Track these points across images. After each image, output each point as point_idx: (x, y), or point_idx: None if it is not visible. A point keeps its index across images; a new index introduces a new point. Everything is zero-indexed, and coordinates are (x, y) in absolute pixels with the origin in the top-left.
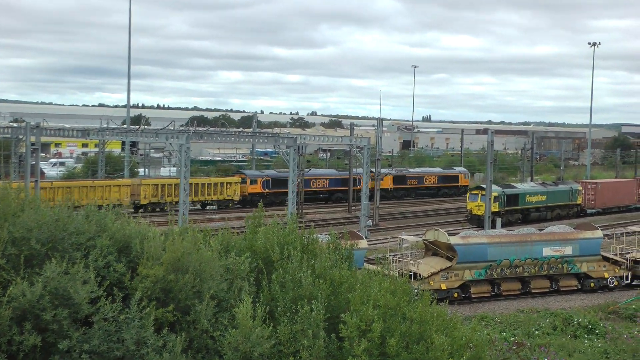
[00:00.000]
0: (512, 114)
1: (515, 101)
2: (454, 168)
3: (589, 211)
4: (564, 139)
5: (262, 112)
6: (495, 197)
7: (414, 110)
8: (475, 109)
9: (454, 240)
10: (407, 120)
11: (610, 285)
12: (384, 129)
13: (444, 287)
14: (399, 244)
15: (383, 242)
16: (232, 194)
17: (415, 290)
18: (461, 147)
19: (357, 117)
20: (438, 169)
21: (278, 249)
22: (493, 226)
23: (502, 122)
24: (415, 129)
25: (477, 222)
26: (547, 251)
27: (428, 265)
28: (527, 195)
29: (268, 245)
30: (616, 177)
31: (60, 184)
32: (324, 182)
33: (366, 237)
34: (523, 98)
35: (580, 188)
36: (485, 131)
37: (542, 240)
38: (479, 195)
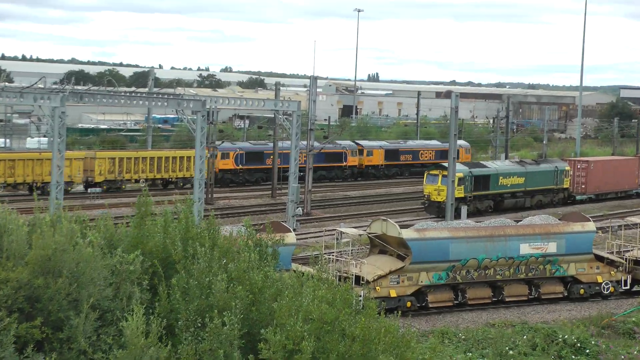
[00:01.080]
0: (483, 73)
1: (487, 57)
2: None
3: (578, 197)
4: (548, 106)
5: (160, 67)
6: (460, 179)
7: (358, 67)
8: (436, 67)
9: (407, 233)
10: (349, 80)
11: (605, 292)
12: (318, 90)
13: (394, 294)
14: (337, 239)
15: (316, 236)
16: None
17: (359, 299)
18: (417, 114)
19: (284, 75)
20: (435, 142)
21: (180, 245)
22: (457, 216)
23: (469, 83)
24: (359, 91)
25: (436, 210)
26: (526, 248)
27: (374, 266)
28: (501, 177)
29: (168, 240)
30: (613, 155)
31: (4, 155)
32: (305, 157)
33: (294, 230)
34: (496, 53)
35: (567, 168)
36: (447, 94)
37: (519, 234)
38: (440, 176)
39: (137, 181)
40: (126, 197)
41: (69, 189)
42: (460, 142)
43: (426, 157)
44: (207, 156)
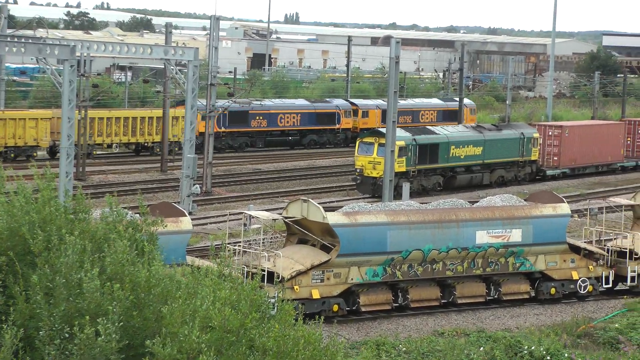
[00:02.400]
0: (431, 14)
1: None
2: (456, 99)
3: (549, 172)
4: (513, 56)
5: (15, 1)
6: (401, 149)
7: (272, 5)
8: (372, 5)
9: (333, 218)
10: (261, 22)
11: (582, 292)
12: (222, 34)
13: (316, 294)
14: (245, 224)
15: (219, 221)
16: (178, 133)
17: (272, 301)
18: (347, 65)
19: (177, 15)
20: (436, 101)
21: (41, 233)
22: (398, 196)
23: (413, 27)
24: (274, 36)
25: (371, 188)
26: (483, 237)
27: (292, 260)
28: (453, 147)
29: (24, 228)
30: (593, 119)
31: None
32: (294, 118)
33: (190, 213)
34: None
35: (536, 135)
36: (386, 40)
37: (474, 219)
38: (375, 145)
39: (109, 146)
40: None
41: (34, 154)
42: (466, 100)
43: (427, 118)
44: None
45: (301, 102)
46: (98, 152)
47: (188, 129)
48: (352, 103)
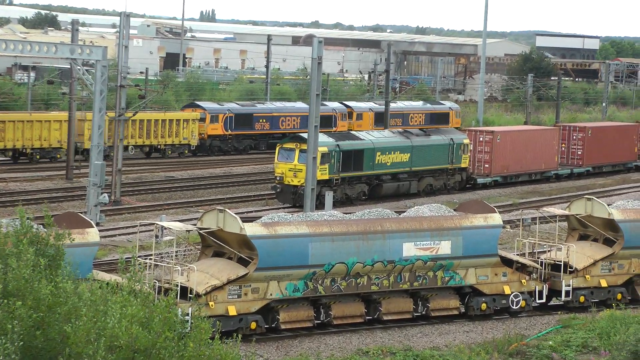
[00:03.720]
0: (356, 13)
1: None
2: (443, 103)
3: (480, 180)
4: (442, 57)
5: None
6: (324, 156)
7: (187, 2)
8: (293, 2)
9: (251, 229)
10: (174, 19)
11: (514, 307)
12: (132, 32)
13: (233, 311)
14: (157, 236)
15: (128, 232)
16: (189, 136)
17: (186, 319)
18: (267, 66)
19: (84, 11)
20: (423, 104)
21: None
22: (319, 205)
23: (337, 25)
24: (189, 34)
25: (292, 197)
26: (410, 249)
27: (207, 274)
28: (379, 153)
29: None
30: (527, 124)
31: None
32: (294, 121)
33: (98, 224)
34: None
35: (467, 141)
36: (308, 40)
37: (401, 230)
38: (296, 151)
39: (125, 148)
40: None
41: (58, 155)
42: (451, 104)
43: (416, 121)
44: (197, 119)
45: (300, 105)
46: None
47: (96, 134)
48: (347, 106)
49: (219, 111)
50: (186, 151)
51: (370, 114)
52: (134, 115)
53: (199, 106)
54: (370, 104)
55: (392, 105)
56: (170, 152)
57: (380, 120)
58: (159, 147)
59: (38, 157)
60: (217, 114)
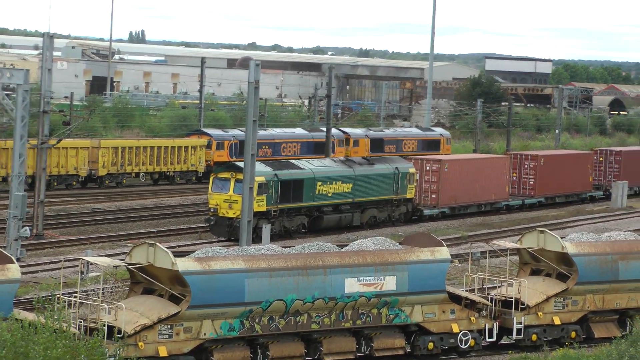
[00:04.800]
0: (296, 33)
1: (301, 10)
2: (434, 129)
3: (427, 212)
4: (386, 81)
5: None
6: (261, 186)
7: (115, 22)
8: (227, 22)
9: (183, 264)
10: (102, 40)
11: (463, 347)
12: (57, 54)
13: (164, 352)
14: (82, 272)
15: (52, 268)
16: (196, 162)
17: None
18: (200, 91)
19: (5, 32)
20: (415, 130)
21: None
22: (256, 239)
23: (276, 47)
24: (117, 56)
25: (227, 230)
26: (353, 285)
27: (136, 313)
28: (319, 183)
29: None
30: (476, 152)
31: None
32: (295, 147)
33: (18, 259)
34: (315, 6)
35: (413, 170)
36: (244, 63)
37: (343, 265)
38: (232, 181)
39: (137, 175)
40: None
41: (74, 182)
42: (442, 130)
43: (409, 147)
44: (204, 145)
45: (300, 131)
46: None
47: (17, 163)
48: (344, 132)
49: (225, 138)
50: (193, 178)
51: (366, 140)
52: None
53: (204, 133)
54: (367, 131)
55: (387, 131)
56: (179, 179)
57: (376, 146)
58: (168, 173)
59: (55, 183)
60: (223, 141)
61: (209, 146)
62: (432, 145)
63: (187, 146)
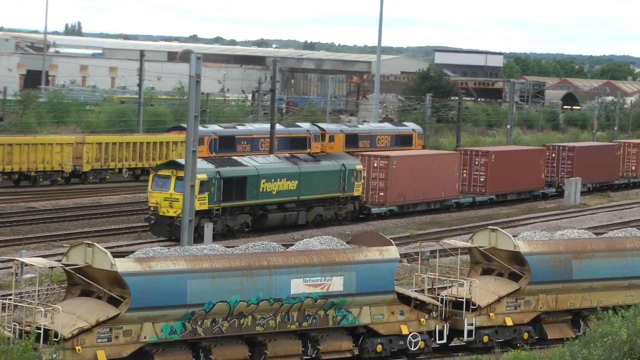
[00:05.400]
0: (239, 25)
1: (244, 2)
2: (407, 124)
3: (375, 210)
4: (332, 75)
5: None
6: (203, 184)
7: (50, 14)
8: (166, 14)
9: (123, 265)
10: (36, 32)
11: (412, 349)
12: None
13: (103, 356)
14: (16, 274)
15: None
16: (177, 158)
17: None
18: (139, 85)
19: None
20: (389, 126)
21: None
22: (198, 238)
23: (218, 40)
24: (52, 49)
25: (167, 230)
26: (299, 286)
27: (73, 316)
28: (263, 180)
29: None
30: (425, 148)
31: (3, 139)
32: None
33: None
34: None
35: (360, 167)
36: (185, 56)
37: (289, 265)
38: (172, 178)
39: (120, 171)
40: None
41: (58, 178)
42: (412, 125)
43: (382, 143)
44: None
45: (277, 127)
46: None
47: None
48: (320, 128)
49: (205, 134)
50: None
51: (341, 136)
52: (335, 133)
53: (182, 128)
54: (341, 126)
55: (360, 127)
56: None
57: (351, 141)
58: (149, 169)
59: (41, 180)
60: (203, 137)
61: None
62: (405, 140)
63: (168, 142)
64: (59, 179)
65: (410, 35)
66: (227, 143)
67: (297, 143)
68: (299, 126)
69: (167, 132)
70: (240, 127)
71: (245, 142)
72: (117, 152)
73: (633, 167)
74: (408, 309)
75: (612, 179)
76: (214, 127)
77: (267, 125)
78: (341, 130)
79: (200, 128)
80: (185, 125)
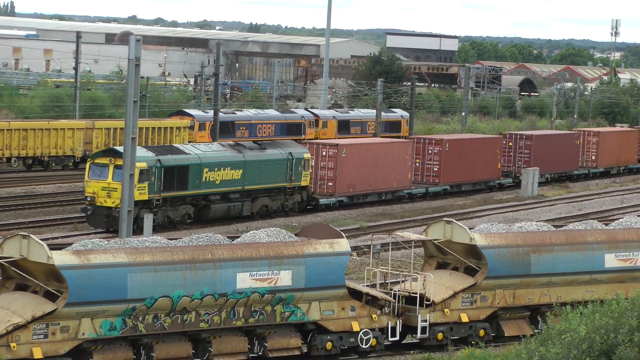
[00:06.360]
0: (179, 7)
1: None
2: (395, 110)
3: (323, 201)
4: (279, 59)
5: None
6: (142, 172)
7: None
8: None
9: (60, 258)
10: None
11: (364, 346)
12: None
13: (39, 353)
14: None
15: None
16: (180, 143)
17: None
18: (75, 68)
19: None
20: (377, 112)
21: None
22: (138, 230)
23: (159, 21)
24: None
25: (105, 221)
26: (245, 280)
27: (8, 311)
28: (206, 169)
29: None
30: (376, 136)
31: (17, 124)
32: (269, 128)
33: None
34: None
35: (307, 156)
36: (124, 38)
37: (235, 258)
38: (110, 167)
39: None
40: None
41: (69, 163)
42: (400, 111)
43: (373, 129)
44: (187, 126)
45: (273, 112)
46: None
47: None
48: (313, 114)
49: (206, 119)
50: None
51: (334, 122)
52: (328, 120)
53: (186, 114)
54: (333, 112)
55: (352, 113)
56: None
57: (343, 127)
58: None
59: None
60: (205, 122)
61: (191, 127)
62: (394, 126)
63: (171, 127)
64: (70, 164)
65: (361, 18)
66: (227, 128)
67: (292, 129)
68: (294, 112)
69: (169, 117)
70: (239, 113)
71: (244, 128)
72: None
73: (593, 157)
74: (359, 305)
75: (571, 169)
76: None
77: (265, 111)
78: (334, 117)
79: (202, 114)
80: (187, 111)
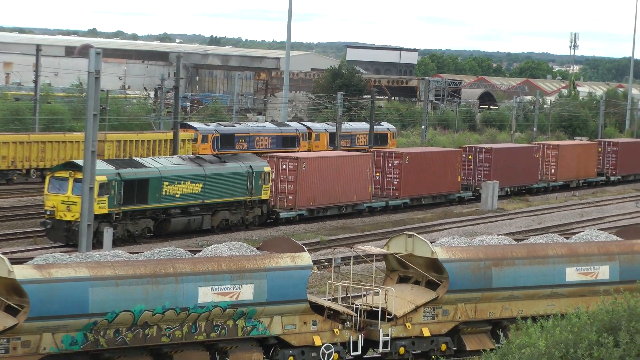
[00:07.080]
0: (142, 19)
1: None
2: (382, 124)
3: (284, 215)
4: (239, 72)
5: None
6: (102, 186)
7: None
8: (68, 6)
9: (21, 272)
10: None
11: None
12: None
13: None
14: None
15: None
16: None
17: None
18: (35, 82)
19: None
20: (366, 125)
21: None
22: (97, 244)
23: (119, 34)
24: None
25: (64, 235)
26: (207, 294)
27: None
28: (166, 183)
29: None
30: (336, 149)
31: (36, 137)
32: (266, 141)
33: None
34: None
35: (268, 169)
36: (84, 51)
37: (197, 272)
38: (70, 180)
39: None
40: None
41: None
42: (387, 124)
43: (361, 142)
44: (191, 138)
45: (270, 125)
46: None
47: None
48: (307, 127)
49: (208, 131)
50: None
51: (326, 135)
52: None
53: (189, 126)
54: (325, 125)
55: (342, 126)
56: None
57: (334, 140)
58: None
59: None
60: (207, 134)
61: (195, 140)
62: (381, 139)
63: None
64: None
65: (321, 31)
66: (228, 141)
67: (287, 141)
68: (288, 125)
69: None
70: (238, 126)
71: (243, 140)
72: (134, 150)
73: (552, 170)
74: (321, 319)
75: (530, 182)
76: (216, 126)
77: (261, 124)
78: (325, 129)
79: (204, 126)
80: (190, 123)
